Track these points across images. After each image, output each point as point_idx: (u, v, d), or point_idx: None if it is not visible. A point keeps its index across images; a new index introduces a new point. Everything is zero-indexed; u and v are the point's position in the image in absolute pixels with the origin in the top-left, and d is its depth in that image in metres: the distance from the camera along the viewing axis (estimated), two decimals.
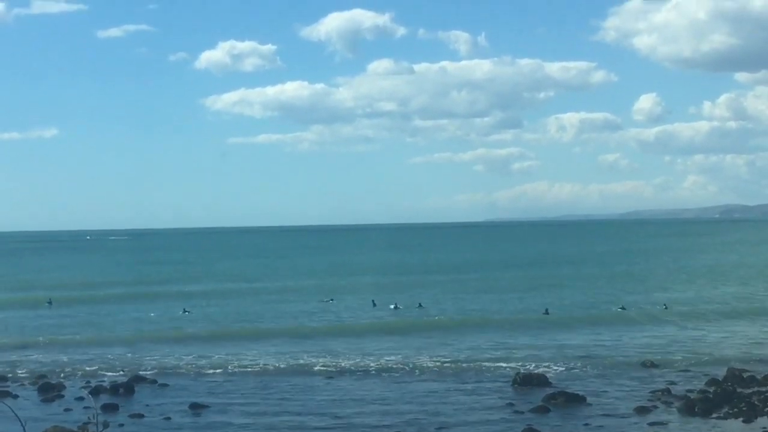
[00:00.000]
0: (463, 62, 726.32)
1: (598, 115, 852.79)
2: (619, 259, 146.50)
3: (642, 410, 38.53)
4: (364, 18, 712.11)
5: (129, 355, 56.45)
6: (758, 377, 43.82)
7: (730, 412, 37.60)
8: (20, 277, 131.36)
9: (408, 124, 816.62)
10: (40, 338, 63.99)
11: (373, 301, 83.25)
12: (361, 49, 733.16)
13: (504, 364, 50.42)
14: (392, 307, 79.41)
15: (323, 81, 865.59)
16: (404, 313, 76.48)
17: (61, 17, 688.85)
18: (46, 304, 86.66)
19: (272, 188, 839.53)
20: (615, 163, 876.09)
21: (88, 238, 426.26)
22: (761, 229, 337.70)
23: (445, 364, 51.00)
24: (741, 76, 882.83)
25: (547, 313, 73.51)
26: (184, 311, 79.23)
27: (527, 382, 44.67)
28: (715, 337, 59.84)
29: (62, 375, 49.63)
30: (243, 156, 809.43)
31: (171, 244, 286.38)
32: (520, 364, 50.21)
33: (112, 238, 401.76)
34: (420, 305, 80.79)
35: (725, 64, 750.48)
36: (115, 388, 44.91)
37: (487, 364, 50.83)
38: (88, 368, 51.88)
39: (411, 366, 50.60)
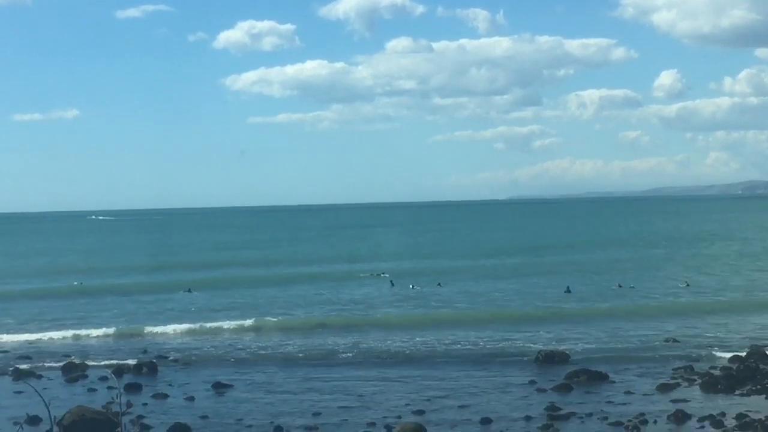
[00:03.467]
0: (482, 40, 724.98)
1: (619, 92, 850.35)
2: (643, 239, 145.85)
3: (664, 387, 38.45)
4: None
5: (153, 336, 56.82)
6: None
7: (754, 388, 37.47)
8: (46, 259, 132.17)
9: (428, 102, 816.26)
10: (65, 320, 64.51)
11: (391, 281, 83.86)
12: (379, 27, 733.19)
13: (526, 343, 50.45)
14: (411, 287, 79.57)
15: (342, 60, 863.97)
16: (423, 293, 76.32)
17: None
18: (75, 284, 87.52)
19: (292, 168, 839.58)
20: (636, 140, 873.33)
21: (92, 217, 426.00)
22: None
23: (466, 343, 51.04)
24: (761, 52, 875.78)
25: (568, 291, 73.50)
26: (189, 290, 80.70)
27: (549, 360, 44.69)
28: (738, 316, 59.47)
29: (86, 355, 49.94)
30: (263, 135, 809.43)
31: (193, 224, 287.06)
32: (542, 342, 50.28)
33: (154, 218, 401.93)
34: (439, 284, 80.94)
35: (745, 39, 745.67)
36: (138, 368, 45.15)
37: (508, 342, 50.88)
38: (111, 348, 52.38)
39: (433, 347, 50.67)
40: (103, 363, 47.38)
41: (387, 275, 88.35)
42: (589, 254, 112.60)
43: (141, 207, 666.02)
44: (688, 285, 75.20)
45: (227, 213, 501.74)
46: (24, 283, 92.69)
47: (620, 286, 75.31)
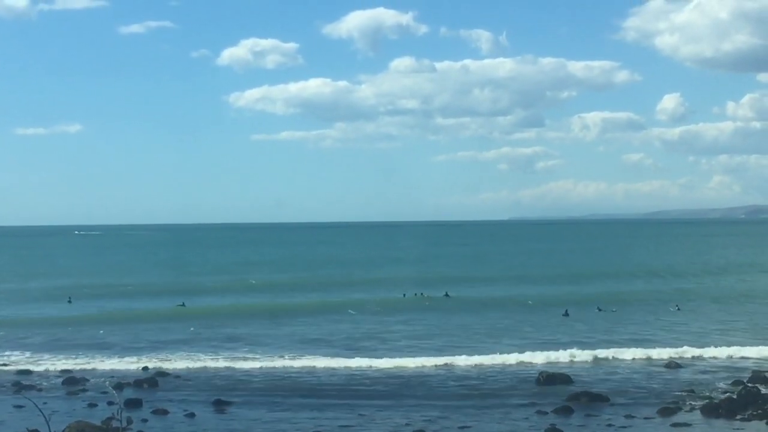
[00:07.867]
0: (486, 60, 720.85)
1: (622, 115, 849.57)
2: (637, 265, 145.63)
3: (665, 411, 38.33)
4: (387, 16, 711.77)
5: (153, 351, 56.74)
6: None
7: (754, 413, 37.35)
8: (40, 271, 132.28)
9: (430, 122, 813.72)
10: (65, 335, 64.51)
11: (404, 294, 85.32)
12: (383, 47, 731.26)
13: (527, 365, 50.42)
14: (421, 294, 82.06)
15: (345, 78, 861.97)
16: (432, 303, 77.38)
17: (84, 13, 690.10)
18: (67, 302, 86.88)
19: (295, 185, 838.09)
20: (639, 163, 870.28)
21: (76, 232, 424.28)
22: None
23: (468, 364, 51.03)
24: (764, 77, 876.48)
25: (566, 314, 73.31)
26: (183, 304, 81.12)
27: (551, 381, 44.63)
28: (737, 343, 59.04)
29: (87, 369, 49.91)
30: (266, 153, 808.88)
31: (195, 240, 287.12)
32: (543, 364, 50.25)
33: (148, 233, 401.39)
34: (446, 294, 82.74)
35: (748, 64, 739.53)
36: (139, 383, 45.17)
37: (509, 364, 50.84)
38: (112, 363, 52.34)
39: (434, 365, 50.67)
40: (103, 378, 47.33)
41: (424, 293, 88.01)
42: (585, 280, 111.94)
43: (142, 222, 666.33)
44: (678, 309, 75.07)
45: (227, 229, 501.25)
46: (30, 305, 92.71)
47: (600, 310, 75.15)
